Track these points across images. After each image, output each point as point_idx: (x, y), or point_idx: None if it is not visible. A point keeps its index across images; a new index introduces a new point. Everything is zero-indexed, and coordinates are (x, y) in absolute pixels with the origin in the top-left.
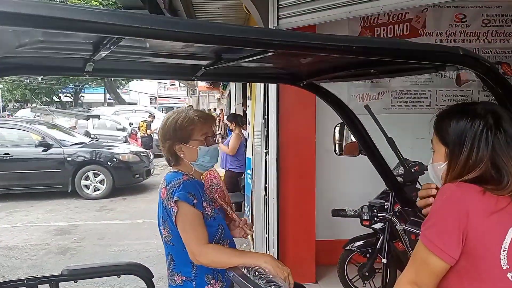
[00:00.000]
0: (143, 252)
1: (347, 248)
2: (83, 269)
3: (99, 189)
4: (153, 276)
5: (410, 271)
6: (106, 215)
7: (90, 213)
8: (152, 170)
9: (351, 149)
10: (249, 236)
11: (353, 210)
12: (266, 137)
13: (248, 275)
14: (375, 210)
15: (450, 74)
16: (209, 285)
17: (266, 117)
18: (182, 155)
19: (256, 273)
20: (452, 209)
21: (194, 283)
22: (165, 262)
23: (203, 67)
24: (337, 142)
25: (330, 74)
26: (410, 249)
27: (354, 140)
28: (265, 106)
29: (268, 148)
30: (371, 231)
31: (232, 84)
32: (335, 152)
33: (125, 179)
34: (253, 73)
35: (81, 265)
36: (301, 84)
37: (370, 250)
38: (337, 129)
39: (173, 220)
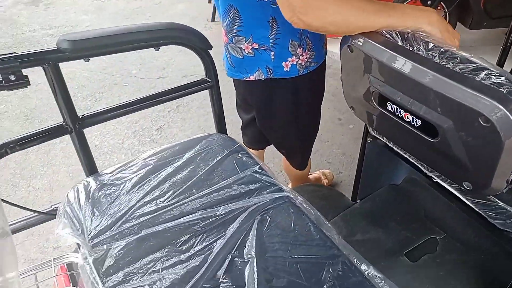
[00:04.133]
0: None
1: None
2: (93, 38)
3: None
4: (211, 47)
5: None
6: None
7: None
8: None
9: None
10: None
11: None
12: None
13: (410, 48)
14: None
15: None
16: (293, 57)
17: None
18: None
19: (430, 45)
20: None
21: (272, 53)
22: (166, 15)
23: None
24: None
25: None
26: None
27: None
28: None
29: None
30: None
31: None
32: None
33: None
34: None
35: (87, 32)
36: None
37: None
38: None
39: None
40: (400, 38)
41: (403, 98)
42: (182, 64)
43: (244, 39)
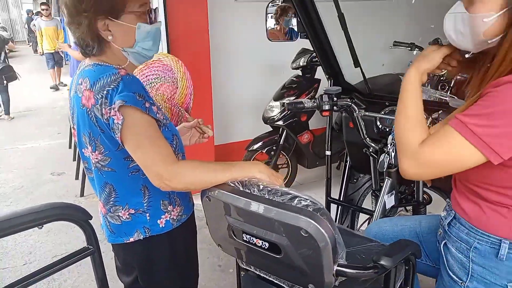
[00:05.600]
0: None
1: (250, 149)
2: None
3: None
4: (91, 218)
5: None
6: None
7: None
8: None
9: (278, 34)
10: None
11: (310, 101)
12: None
13: (248, 191)
14: (335, 99)
15: None
16: (166, 214)
17: None
18: (110, 38)
19: (261, 187)
20: None
21: (147, 214)
22: (30, 198)
23: None
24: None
25: None
26: (365, 136)
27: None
28: None
29: None
30: (268, 130)
31: None
32: (268, 38)
33: None
34: None
35: None
36: None
37: (274, 148)
38: (271, 9)
39: (117, 135)
40: (241, 185)
41: (252, 228)
42: (50, 245)
43: (121, 207)
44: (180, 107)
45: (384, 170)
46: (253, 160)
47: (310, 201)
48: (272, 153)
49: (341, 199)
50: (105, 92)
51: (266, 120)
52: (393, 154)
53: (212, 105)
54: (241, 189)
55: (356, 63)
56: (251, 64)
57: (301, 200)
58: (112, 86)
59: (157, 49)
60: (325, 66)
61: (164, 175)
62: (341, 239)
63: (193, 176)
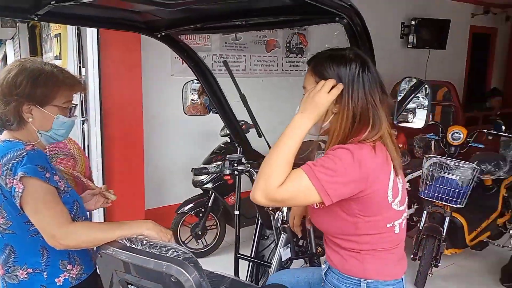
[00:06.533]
0: None
1: (180, 211)
2: None
3: None
4: None
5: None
6: None
7: None
8: None
9: (199, 108)
10: None
11: (214, 166)
12: (83, 103)
13: (133, 246)
14: (235, 164)
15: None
16: (65, 272)
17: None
18: (30, 120)
19: (144, 242)
20: (356, 169)
21: (45, 273)
22: None
23: (52, 2)
24: (189, 101)
25: (194, 25)
26: None
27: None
28: (79, 67)
29: (87, 115)
30: (198, 193)
31: (9, 44)
32: (184, 112)
33: None
34: (107, 18)
35: None
36: (158, 35)
37: (202, 210)
38: (189, 87)
39: (17, 202)
40: (128, 241)
41: (139, 279)
42: None
43: (19, 267)
44: (82, 178)
45: (279, 226)
46: (182, 222)
47: (182, 251)
48: (201, 215)
49: (252, 255)
50: (10, 164)
51: (196, 183)
52: (285, 211)
53: (143, 171)
54: (127, 244)
55: (259, 135)
56: (184, 132)
57: (174, 251)
58: (17, 160)
59: (67, 136)
60: (234, 136)
61: (57, 235)
62: (208, 284)
63: (85, 235)
